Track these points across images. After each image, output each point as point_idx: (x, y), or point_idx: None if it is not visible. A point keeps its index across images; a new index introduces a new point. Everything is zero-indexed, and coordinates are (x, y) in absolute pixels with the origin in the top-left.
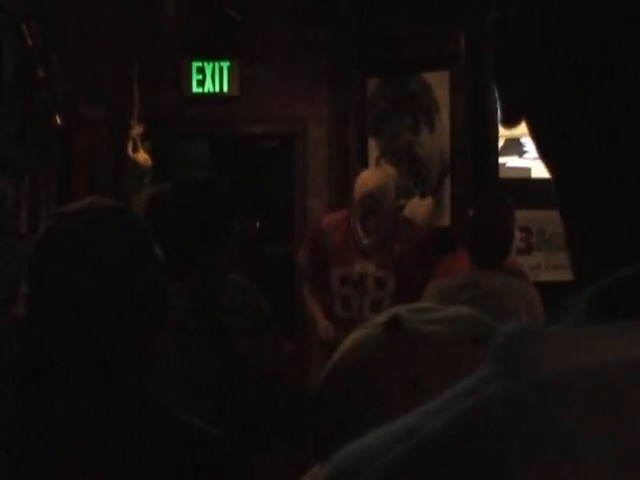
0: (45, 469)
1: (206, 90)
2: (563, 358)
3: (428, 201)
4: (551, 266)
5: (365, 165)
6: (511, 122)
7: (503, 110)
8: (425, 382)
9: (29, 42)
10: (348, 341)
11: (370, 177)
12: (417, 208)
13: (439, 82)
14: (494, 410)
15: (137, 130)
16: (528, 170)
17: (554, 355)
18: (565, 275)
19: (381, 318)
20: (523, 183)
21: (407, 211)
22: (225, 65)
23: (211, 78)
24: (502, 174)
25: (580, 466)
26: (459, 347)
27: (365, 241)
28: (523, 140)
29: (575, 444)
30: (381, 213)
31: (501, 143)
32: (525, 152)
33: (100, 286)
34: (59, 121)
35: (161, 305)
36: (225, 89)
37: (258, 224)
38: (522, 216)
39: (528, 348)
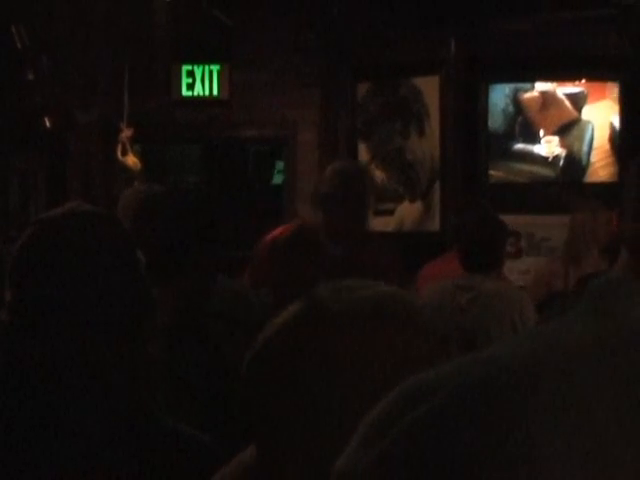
0: (30, 473)
1: (196, 93)
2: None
3: (417, 205)
4: None
5: None
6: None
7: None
8: (342, 360)
9: (18, 45)
10: (276, 320)
11: None
12: (407, 213)
13: (429, 87)
14: (577, 347)
15: (127, 133)
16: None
17: (627, 307)
18: None
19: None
20: (512, 187)
21: (397, 215)
22: (215, 68)
23: (201, 81)
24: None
25: None
26: (376, 324)
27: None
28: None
29: None
30: None
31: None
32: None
33: (83, 290)
34: (49, 124)
35: (144, 308)
36: (215, 92)
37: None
38: (511, 221)
39: (619, 295)
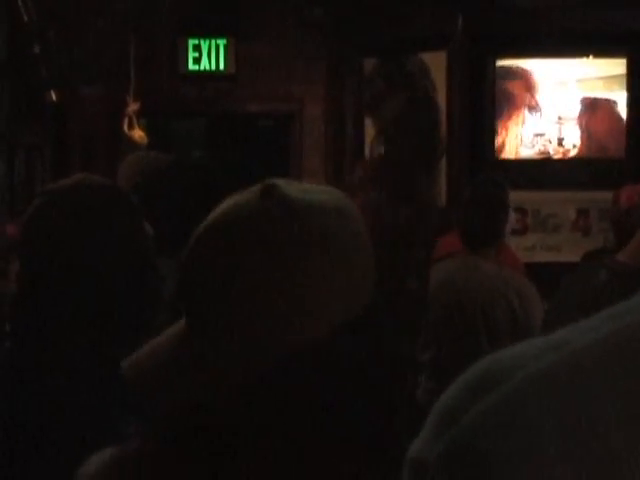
0: (39, 454)
1: (202, 68)
2: None
3: None
4: (546, 247)
5: (361, 144)
6: None
7: None
8: (296, 249)
9: (25, 18)
10: (222, 208)
11: None
12: None
13: (436, 63)
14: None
15: (133, 107)
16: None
17: None
18: (559, 256)
19: (255, 187)
20: (519, 164)
21: None
22: (221, 43)
23: (207, 56)
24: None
25: None
26: (333, 215)
27: None
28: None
29: None
30: None
31: None
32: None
33: (91, 262)
34: (54, 98)
35: (152, 279)
36: (221, 67)
37: None
38: (517, 197)
39: None
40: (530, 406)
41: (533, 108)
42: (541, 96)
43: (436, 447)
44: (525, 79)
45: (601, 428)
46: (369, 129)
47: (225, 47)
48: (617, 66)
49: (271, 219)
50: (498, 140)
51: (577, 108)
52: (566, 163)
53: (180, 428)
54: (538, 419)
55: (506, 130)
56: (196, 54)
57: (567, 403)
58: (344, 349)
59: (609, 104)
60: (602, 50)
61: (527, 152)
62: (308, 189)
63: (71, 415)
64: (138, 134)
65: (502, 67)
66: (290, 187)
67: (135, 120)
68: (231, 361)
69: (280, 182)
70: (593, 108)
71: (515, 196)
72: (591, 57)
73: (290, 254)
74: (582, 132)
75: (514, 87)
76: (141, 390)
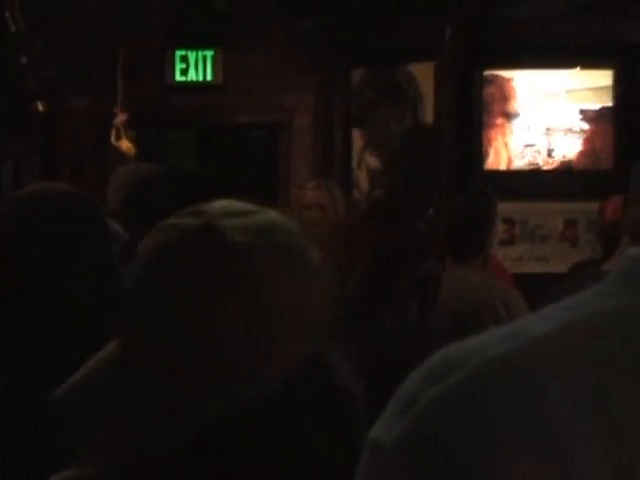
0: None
1: (189, 79)
2: None
3: None
4: (534, 257)
5: (349, 155)
6: None
7: None
8: (233, 291)
9: (12, 29)
10: (157, 239)
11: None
12: None
13: (425, 74)
14: (603, 322)
15: (121, 118)
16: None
17: None
18: (547, 267)
19: (191, 220)
20: (507, 175)
21: None
22: (209, 54)
23: (194, 67)
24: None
25: None
26: (272, 258)
27: None
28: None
29: None
30: None
31: None
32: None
33: (48, 265)
34: (42, 108)
35: (110, 280)
36: (209, 77)
37: None
38: (505, 208)
39: None
40: (484, 390)
41: (522, 119)
42: (530, 107)
43: (393, 430)
44: (514, 90)
45: (553, 426)
46: (358, 140)
47: (212, 58)
48: (605, 77)
49: (211, 263)
50: (487, 151)
51: (566, 119)
52: (555, 174)
53: (126, 465)
54: (492, 404)
55: (495, 141)
56: (183, 65)
57: (520, 389)
58: (298, 395)
59: (598, 115)
60: (590, 61)
61: (517, 163)
62: (252, 226)
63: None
64: (126, 145)
65: (491, 78)
66: (232, 225)
67: (123, 131)
68: (178, 414)
69: (223, 219)
70: (582, 119)
71: (503, 207)
72: (579, 68)
73: (232, 299)
74: (571, 143)
75: (503, 98)
76: (78, 433)
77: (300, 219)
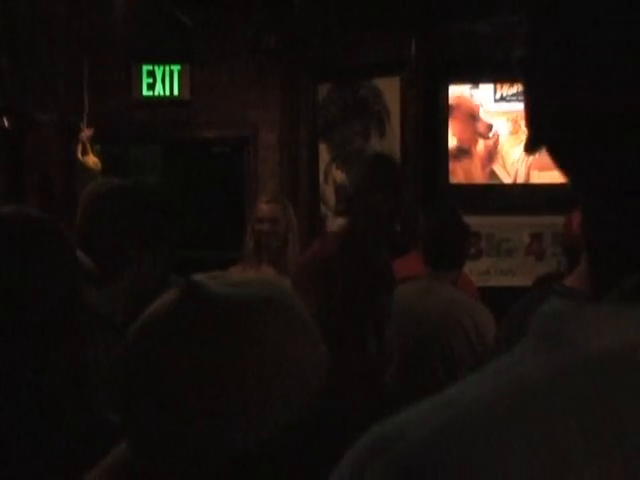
0: None
1: (156, 94)
2: (596, 337)
3: None
4: (500, 271)
5: (316, 170)
6: (533, 150)
7: (529, 140)
8: (222, 344)
9: None
10: (149, 313)
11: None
12: None
13: (390, 88)
14: (526, 385)
15: (87, 133)
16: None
17: (587, 334)
18: (513, 280)
19: (178, 287)
20: (472, 189)
21: None
22: (176, 69)
23: (162, 82)
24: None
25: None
26: (252, 307)
27: None
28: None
29: (595, 417)
30: None
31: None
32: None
33: (11, 294)
34: (8, 124)
35: (74, 307)
36: (176, 92)
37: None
38: (471, 222)
39: (564, 326)
40: (420, 467)
41: (486, 133)
42: (495, 121)
43: None
44: (479, 104)
45: None
46: (324, 154)
47: (179, 73)
48: None
49: (195, 324)
50: (452, 165)
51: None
52: (519, 188)
53: None
54: (432, 474)
55: (460, 155)
56: (150, 80)
57: (457, 462)
58: (289, 449)
59: None
60: None
61: (480, 177)
62: (236, 283)
63: None
64: (92, 160)
65: (456, 92)
66: (216, 284)
67: (89, 146)
68: (175, 467)
69: (205, 279)
70: None
71: (469, 221)
72: None
73: (219, 357)
74: (536, 157)
75: (467, 112)
76: None
77: (252, 232)
